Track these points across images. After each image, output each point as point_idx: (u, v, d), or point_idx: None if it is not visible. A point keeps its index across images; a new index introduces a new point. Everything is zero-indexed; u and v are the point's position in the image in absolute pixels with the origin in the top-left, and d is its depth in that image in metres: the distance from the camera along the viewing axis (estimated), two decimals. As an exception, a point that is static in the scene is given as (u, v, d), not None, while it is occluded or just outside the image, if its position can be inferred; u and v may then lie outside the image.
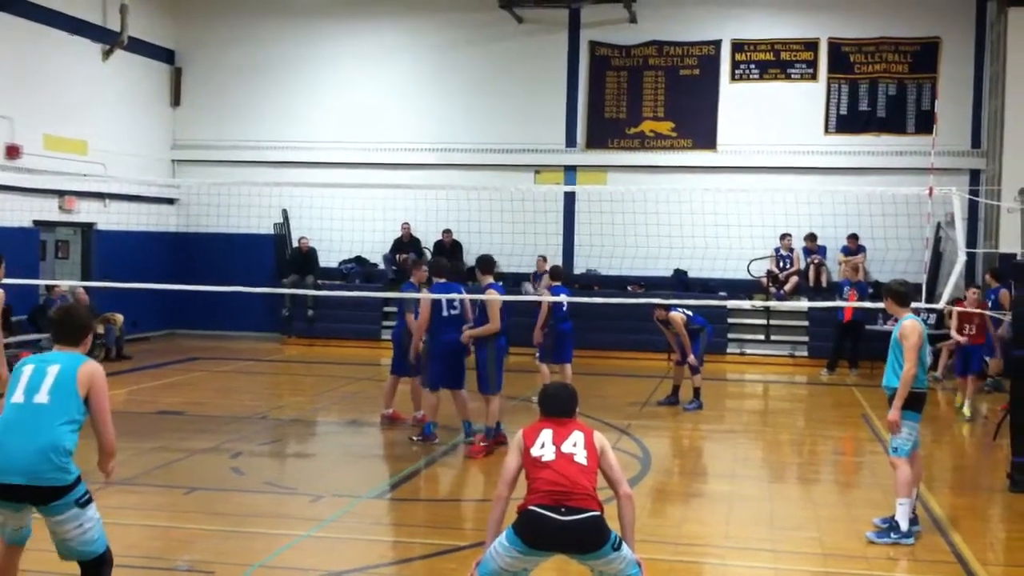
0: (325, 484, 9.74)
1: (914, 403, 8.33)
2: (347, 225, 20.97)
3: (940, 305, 11.97)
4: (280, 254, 22.37)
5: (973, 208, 19.65)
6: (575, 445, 5.69)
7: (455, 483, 10.08)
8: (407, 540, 8.32)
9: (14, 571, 5.72)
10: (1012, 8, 19.35)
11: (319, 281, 21.38)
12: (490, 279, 11.21)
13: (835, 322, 19.02)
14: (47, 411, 5.47)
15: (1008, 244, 16.93)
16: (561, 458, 5.61)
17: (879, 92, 21.49)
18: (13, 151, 18.32)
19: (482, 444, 10.90)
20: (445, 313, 11.14)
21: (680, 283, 20.72)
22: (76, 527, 5.50)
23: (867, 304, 16.09)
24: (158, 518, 8.53)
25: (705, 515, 9.24)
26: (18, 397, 5.53)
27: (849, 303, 18.08)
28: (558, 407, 5.88)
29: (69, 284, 18.08)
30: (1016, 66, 19.29)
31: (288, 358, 15.66)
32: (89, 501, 5.57)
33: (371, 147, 22.73)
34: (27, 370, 5.62)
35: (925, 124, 20.87)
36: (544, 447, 5.64)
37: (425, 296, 11.29)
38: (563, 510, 5.45)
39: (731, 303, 18.55)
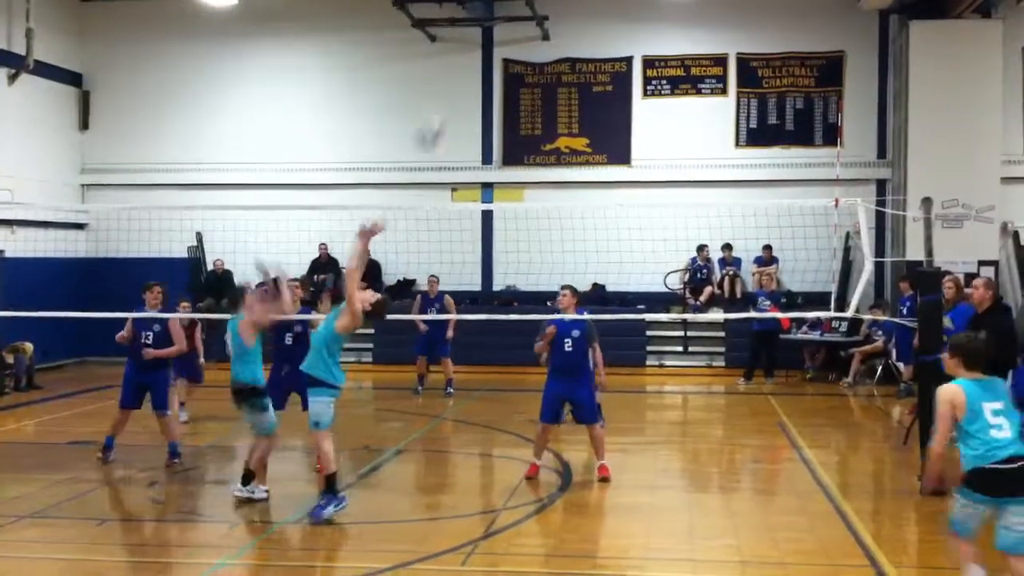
0: (242, 511, 9.59)
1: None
2: (263, 247, 20.67)
3: (849, 313, 12.17)
4: (195, 278, 22.03)
5: (880, 218, 20.13)
6: None
7: (368, 506, 9.98)
8: (325, 565, 8.23)
9: None
10: (914, 22, 19.90)
11: (232, 305, 21.07)
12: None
13: (751, 332, 19.32)
14: None
15: (915, 252, 17.35)
16: None
17: (787, 106, 21.93)
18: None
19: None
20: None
21: (599, 297, 20.85)
22: None
23: (799, 314, 16.40)
24: (70, 551, 8.31)
25: (625, 528, 9.29)
26: None
27: (776, 314, 18.40)
28: None
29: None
30: (918, 78, 19.82)
31: (205, 383, 15.42)
32: None
33: (286, 168, 22.55)
34: None
35: (832, 136, 21.36)
36: None
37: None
38: None
39: (649, 316, 18.76)
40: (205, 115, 23.09)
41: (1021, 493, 6.29)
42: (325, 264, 21.71)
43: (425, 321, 16.88)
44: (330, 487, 9.04)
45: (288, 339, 11.20)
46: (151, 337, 11.43)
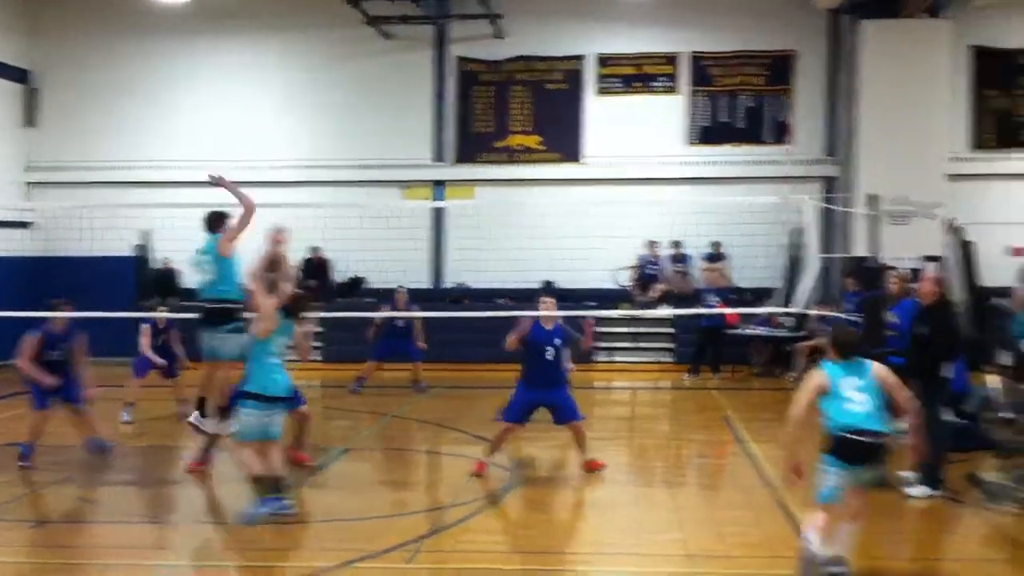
0: (181, 511, 9.48)
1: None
2: (213, 245, 20.51)
3: (795, 309, 12.27)
4: (142, 276, 21.77)
5: (828, 214, 20.31)
6: None
7: (314, 505, 9.90)
8: (270, 564, 8.15)
9: None
10: (864, 21, 20.11)
11: (182, 303, 20.85)
12: None
13: (698, 328, 19.43)
14: None
15: (861, 249, 17.53)
16: None
17: (738, 104, 22.09)
18: None
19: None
20: None
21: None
22: None
23: (746, 309, 16.50)
24: (3, 554, 8.15)
25: (572, 523, 9.31)
26: None
27: (724, 309, 18.52)
28: None
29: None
30: (868, 76, 20.04)
31: (148, 383, 15.22)
32: None
33: (236, 165, 22.22)
34: None
35: (782, 134, 21.54)
36: None
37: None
38: None
39: (599, 313, 18.76)
40: (158, 112, 22.83)
41: (872, 461, 7.17)
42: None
43: (394, 328, 16.82)
44: (260, 490, 8.89)
45: None
46: (55, 355, 11.22)
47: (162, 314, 14.69)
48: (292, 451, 10.95)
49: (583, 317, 11.13)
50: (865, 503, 7.38)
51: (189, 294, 21.29)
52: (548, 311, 10.68)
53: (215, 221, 10.82)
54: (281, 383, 9.07)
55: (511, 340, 10.63)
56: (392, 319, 16.94)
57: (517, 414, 10.61)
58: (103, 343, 21.25)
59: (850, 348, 7.50)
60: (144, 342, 14.41)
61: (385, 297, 19.84)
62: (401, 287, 17.56)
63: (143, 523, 9.24)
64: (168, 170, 22.25)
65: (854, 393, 7.25)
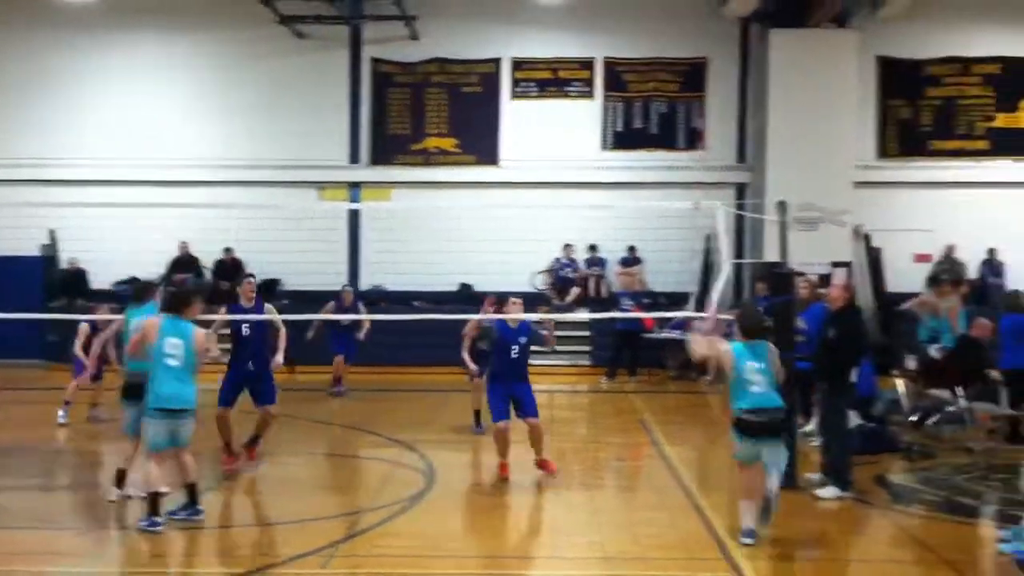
0: (95, 517, 9.28)
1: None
2: (123, 245, 20.16)
3: (708, 314, 12.42)
4: (49, 277, 21.24)
5: (740, 220, 20.66)
6: None
7: (226, 510, 9.77)
8: (180, 571, 8.03)
9: None
10: (773, 30, 20.49)
11: (90, 304, 20.40)
12: None
13: (614, 331, 19.60)
14: None
15: (772, 254, 17.84)
16: None
17: (652, 110, 22.36)
18: None
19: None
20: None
21: (466, 297, 20.87)
22: None
23: (662, 314, 16.67)
24: None
25: (489, 526, 9.32)
26: None
27: (640, 314, 18.70)
28: None
29: None
30: (777, 85, 20.41)
31: (55, 385, 14.84)
32: None
33: (147, 164, 21.92)
34: None
35: (694, 140, 21.87)
36: None
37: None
38: None
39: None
40: (67, 110, 22.28)
41: (771, 434, 8.26)
42: (186, 262, 21.20)
43: (339, 326, 16.74)
44: (152, 507, 8.65)
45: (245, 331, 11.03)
46: None
47: (99, 316, 14.38)
48: (248, 449, 11.21)
49: (540, 320, 11.45)
50: (763, 481, 8.27)
51: (98, 295, 20.92)
52: (517, 311, 10.99)
53: (144, 292, 10.31)
54: (179, 396, 8.73)
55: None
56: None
57: (500, 411, 10.76)
58: (7, 344, 20.95)
59: (756, 331, 8.49)
60: (77, 343, 14.19)
61: (301, 299, 19.69)
62: (347, 287, 17.48)
63: (49, 529, 8.99)
64: (77, 168, 21.73)
65: (754, 375, 8.27)
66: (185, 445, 8.90)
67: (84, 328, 14.21)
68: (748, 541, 8.17)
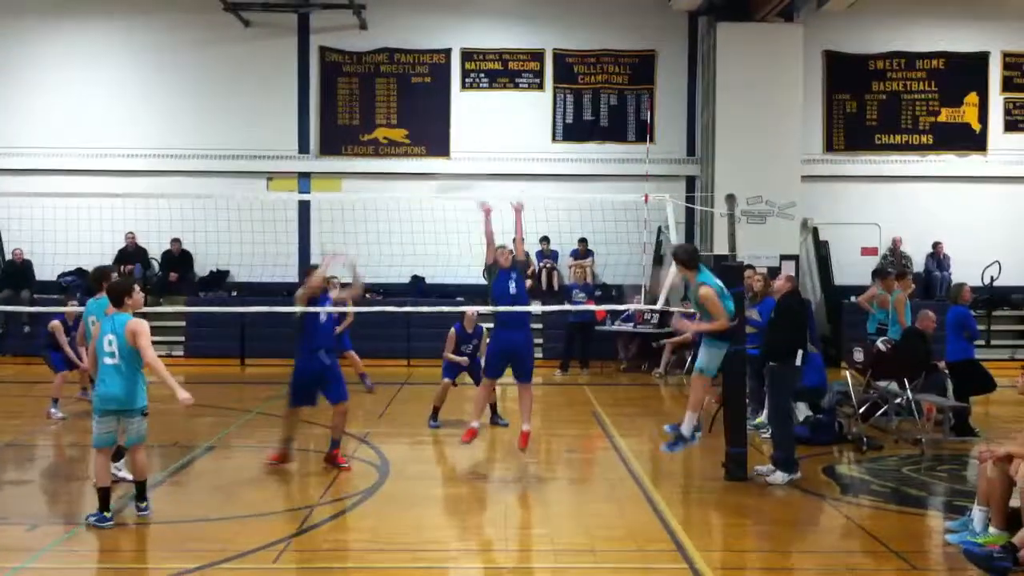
0: (42, 511, 9.14)
1: (726, 336, 9.81)
2: (68, 236, 19.75)
3: (659, 306, 12.50)
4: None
5: (690, 213, 20.80)
6: None
7: (178, 505, 9.67)
8: (131, 566, 7.93)
9: None
10: (721, 23, 20.63)
11: (35, 295, 20.08)
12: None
13: (566, 324, 19.65)
14: None
15: (722, 247, 18.01)
16: None
17: (601, 102, 22.43)
18: None
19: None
20: None
21: (418, 289, 20.82)
22: None
23: (613, 306, 16.76)
24: None
25: (442, 519, 9.31)
26: None
27: (591, 306, 18.76)
28: None
29: None
30: (725, 78, 20.58)
31: (2, 378, 14.53)
32: None
33: (91, 153, 21.60)
34: None
35: (644, 133, 21.97)
36: None
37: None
38: None
39: (467, 308, 18.75)
40: (6, 96, 21.89)
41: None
42: (132, 253, 20.91)
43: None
44: (101, 503, 8.59)
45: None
46: None
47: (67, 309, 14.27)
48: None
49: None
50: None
51: (44, 287, 20.59)
52: (506, 255, 11.60)
53: (100, 279, 9.89)
54: (120, 396, 8.57)
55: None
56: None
57: (494, 368, 11.27)
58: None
59: (693, 260, 9.89)
60: (60, 340, 14.11)
61: (250, 291, 19.52)
62: (334, 277, 17.29)
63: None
64: (15, 157, 21.38)
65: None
66: (139, 443, 8.80)
67: (57, 324, 14.02)
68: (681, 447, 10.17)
